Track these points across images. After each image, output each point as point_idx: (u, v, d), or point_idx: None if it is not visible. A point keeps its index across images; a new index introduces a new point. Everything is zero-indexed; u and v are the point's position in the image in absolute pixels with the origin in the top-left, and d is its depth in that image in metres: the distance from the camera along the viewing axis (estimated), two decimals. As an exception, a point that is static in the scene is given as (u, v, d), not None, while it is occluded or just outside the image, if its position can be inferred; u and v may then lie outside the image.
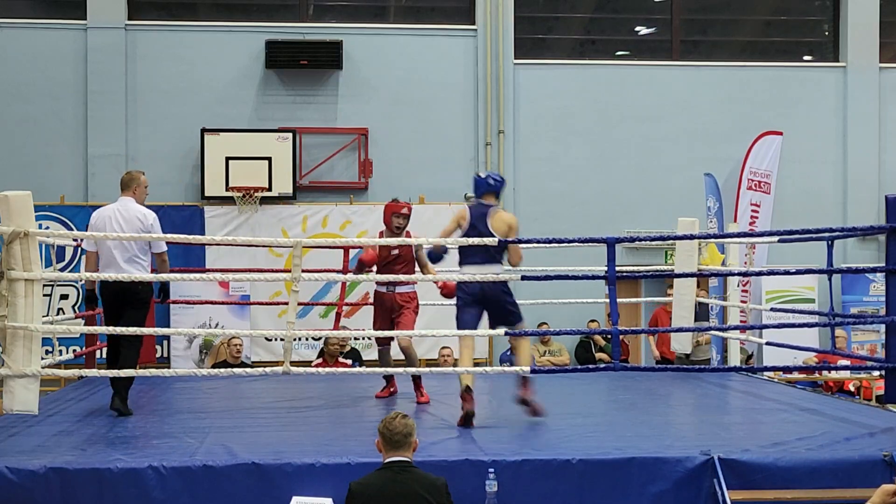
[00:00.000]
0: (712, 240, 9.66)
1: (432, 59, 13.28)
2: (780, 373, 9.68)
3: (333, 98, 13.13)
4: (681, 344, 9.68)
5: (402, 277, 7.24)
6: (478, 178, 7.18)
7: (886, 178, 13.56)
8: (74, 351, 10.74)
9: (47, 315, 6.86)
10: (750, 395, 8.19)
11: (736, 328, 9.47)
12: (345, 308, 11.05)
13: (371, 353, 12.40)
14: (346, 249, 9.87)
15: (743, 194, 12.29)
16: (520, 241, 7.31)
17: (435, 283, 7.58)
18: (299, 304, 6.98)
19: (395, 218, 7.65)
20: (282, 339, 6.44)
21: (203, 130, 12.57)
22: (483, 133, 13.22)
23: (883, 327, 7.04)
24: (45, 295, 6.54)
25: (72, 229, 11.71)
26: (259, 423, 6.68)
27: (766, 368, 9.07)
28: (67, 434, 6.14)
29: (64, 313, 10.97)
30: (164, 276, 7.06)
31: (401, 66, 13.22)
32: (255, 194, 12.47)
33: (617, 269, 6.60)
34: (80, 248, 10.62)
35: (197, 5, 13.89)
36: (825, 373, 10.33)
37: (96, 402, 7.54)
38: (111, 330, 6.75)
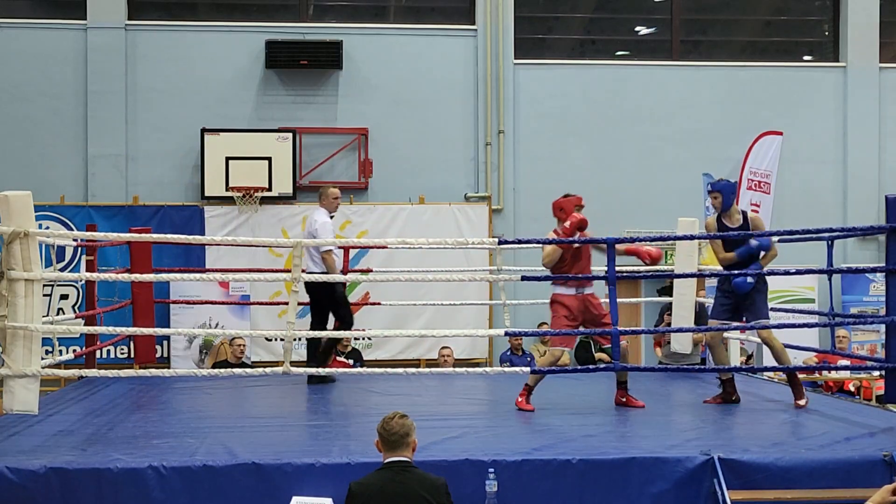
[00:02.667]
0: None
1: (432, 59, 13.28)
2: (781, 373, 9.67)
3: (333, 98, 13.14)
4: (681, 344, 9.66)
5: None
6: (730, 183, 7.42)
7: (886, 178, 13.56)
8: (74, 351, 10.74)
9: (47, 315, 6.86)
10: (750, 395, 8.18)
11: (736, 328, 9.46)
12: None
13: (371, 353, 12.41)
14: (346, 249, 9.87)
15: (743, 194, 12.30)
16: (520, 242, 7.32)
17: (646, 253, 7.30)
18: (299, 304, 6.98)
19: (578, 210, 7.26)
20: (282, 339, 6.45)
21: (203, 130, 12.57)
22: (483, 133, 13.22)
23: (883, 327, 7.04)
24: (45, 295, 6.54)
25: (72, 229, 11.71)
26: (259, 423, 6.68)
27: (767, 368, 9.06)
28: (67, 434, 6.14)
29: (64, 313, 10.98)
30: (163, 277, 7.07)
31: (401, 66, 13.22)
32: (255, 194, 12.47)
33: (617, 269, 6.60)
34: (79, 248, 10.64)
35: (197, 5, 13.89)
36: (825, 373, 10.32)
37: (96, 402, 7.54)
38: (111, 330, 6.89)
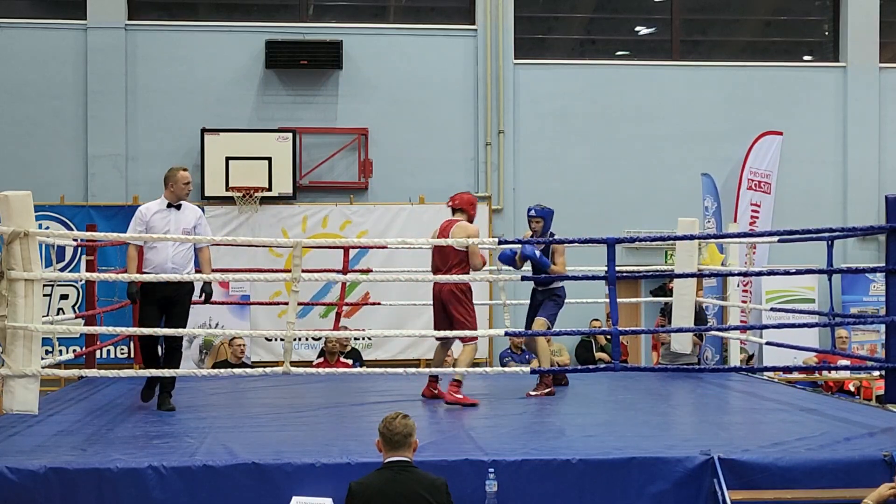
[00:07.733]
0: (712, 240, 9.66)
1: (432, 59, 13.28)
2: (780, 373, 9.68)
3: (333, 98, 13.13)
4: (680, 344, 9.67)
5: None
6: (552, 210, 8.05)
7: (886, 178, 13.56)
8: (74, 351, 10.74)
9: (47, 315, 6.85)
10: (750, 395, 8.19)
11: (736, 328, 9.47)
12: (345, 308, 11.05)
13: (371, 353, 12.42)
14: (346, 249, 9.87)
15: (743, 194, 12.30)
16: (520, 242, 7.33)
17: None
18: (299, 304, 6.98)
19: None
20: (282, 339, 6.45)
21: (203, 130, 12.58)
22: (483, 133, 13.22)
23: (883, 327, 7.04)
24: (45, 295, 6.54)
25: (72, 229, 11.71)
26: (259, 423, 6.68)
27: (766, 368, 9.07)
28: (67, 434, 6.14)
29: (64, 313, 10.97)
30: (163, 277, 7.05)
31: (401, 66, 13.22)
32: (255, 194, 12.47)
33: (617, 269, 6.60)
34: (79, 248, 10.63)
35: (197, 5, 13.89)
36: (825, 373, 10.32)
37: (96, 402, 7.54)
38: (111, 330, 6.84)
